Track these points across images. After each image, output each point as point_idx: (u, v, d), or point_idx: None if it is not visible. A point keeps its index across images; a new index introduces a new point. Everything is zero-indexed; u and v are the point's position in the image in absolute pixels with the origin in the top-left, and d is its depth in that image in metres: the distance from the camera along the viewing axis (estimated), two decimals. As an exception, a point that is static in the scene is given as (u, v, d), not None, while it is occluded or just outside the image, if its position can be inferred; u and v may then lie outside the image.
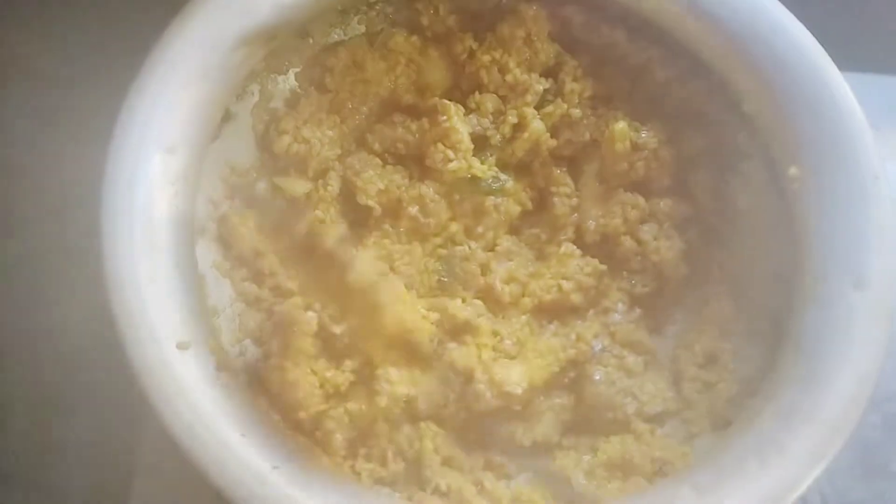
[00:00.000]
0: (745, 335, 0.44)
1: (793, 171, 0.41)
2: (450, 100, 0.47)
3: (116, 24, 0.54)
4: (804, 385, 0.38)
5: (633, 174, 0.47)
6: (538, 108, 0.48)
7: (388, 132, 0.48)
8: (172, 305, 0.38)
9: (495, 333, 0.45)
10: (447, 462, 0.42)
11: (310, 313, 0.41)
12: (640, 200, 0.47)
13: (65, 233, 0.52)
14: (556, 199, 0.48)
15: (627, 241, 0.47)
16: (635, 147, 0.46)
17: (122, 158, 0.39)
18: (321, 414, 0.42)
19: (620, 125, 0.46)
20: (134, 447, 0.47)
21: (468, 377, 0.43)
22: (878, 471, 0.50)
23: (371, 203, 0.47)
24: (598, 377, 0.45)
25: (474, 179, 0.47)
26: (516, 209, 0.49)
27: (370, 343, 0.39)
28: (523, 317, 0.46)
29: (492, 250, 0.48)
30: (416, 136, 0.47)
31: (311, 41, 0.48)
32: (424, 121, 0.47)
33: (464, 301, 0.46)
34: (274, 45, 0.45)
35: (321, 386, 0.41)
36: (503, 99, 0.48)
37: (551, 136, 0.48)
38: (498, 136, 0.48)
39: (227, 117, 0.45)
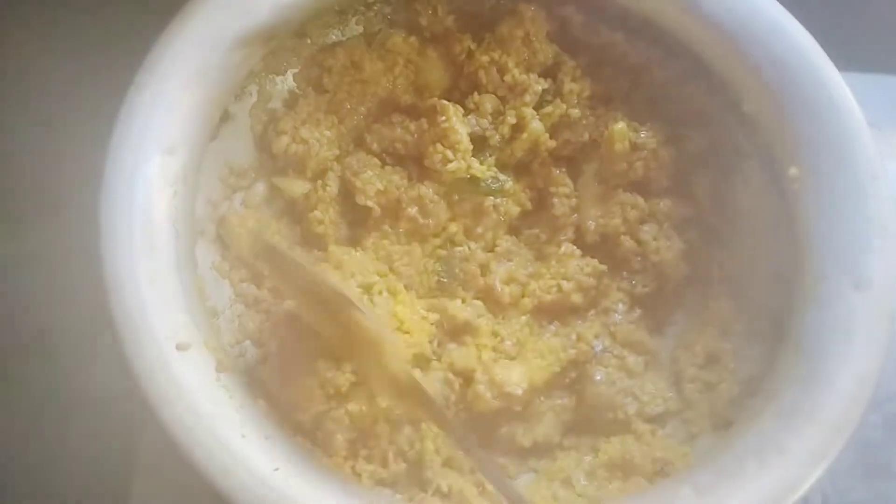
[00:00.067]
0: (745, 335, 0.44)
1: (793, 171, 0.41)
2: (448, 100, 0.47)
3: (116, 25, 0.54)
4: (805, 385, 0.38)
5: (632, 174, 0.47)
6: (537, 108, 0.48)
7: (387, 132, 0.48)
8: (172, 307, 0.38)
9: (495, 334, 0.45)
10: (448, 463, 0.42)
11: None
12: (640, 201, 0.47)
13: (64, 233, 0.52)
14: (555, 200, 0.48)
15: (627, 242, 0.47)
16: (634, 147, 0.46)
17: (121, 159, 0.39)
18: (321, 415, 0.42)
19: (619, 125, 0.46)
20: (133, 448, 0.47)
21: (468, 378, 0.43)
22: (879, 471, 0.50)
23: (370, 204, 0.47)
24: (598, 377, 0.45)
25: (473, 180, 0.47)
26: (516, 209, 0.48)
27: (375, 387, 0.39)
28: (523, 317, 0.46)
29: (491, 251, 0.48)
30: (415, 136, 0.47)
31: (309, 42, 0.48)
32: (423, 121, 0.47)
33: (463, 301, 0.46)
34: (272, 45, 0.45)
35: (321, 387, 0.41)
36: (502, 99, 0.48)
37: (550, 137, 0.48)
38: (497, 137, 0.48)
39: (225, 118, 0.45)
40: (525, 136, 0.47)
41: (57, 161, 0.52)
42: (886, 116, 0.56)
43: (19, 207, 0.53)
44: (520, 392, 0.42)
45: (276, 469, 0.37)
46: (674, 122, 0.47)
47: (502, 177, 0.48)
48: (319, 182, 0.47)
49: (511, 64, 0.47)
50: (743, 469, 0.37)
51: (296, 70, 0.48)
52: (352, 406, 0.42)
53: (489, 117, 0.48)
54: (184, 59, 0.40)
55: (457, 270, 0.47)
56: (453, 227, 0.48)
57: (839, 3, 0.59)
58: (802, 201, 0.41)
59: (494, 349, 0.44)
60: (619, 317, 0.47)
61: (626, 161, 0.47)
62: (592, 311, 0.47)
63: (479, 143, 0.47)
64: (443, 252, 0.48)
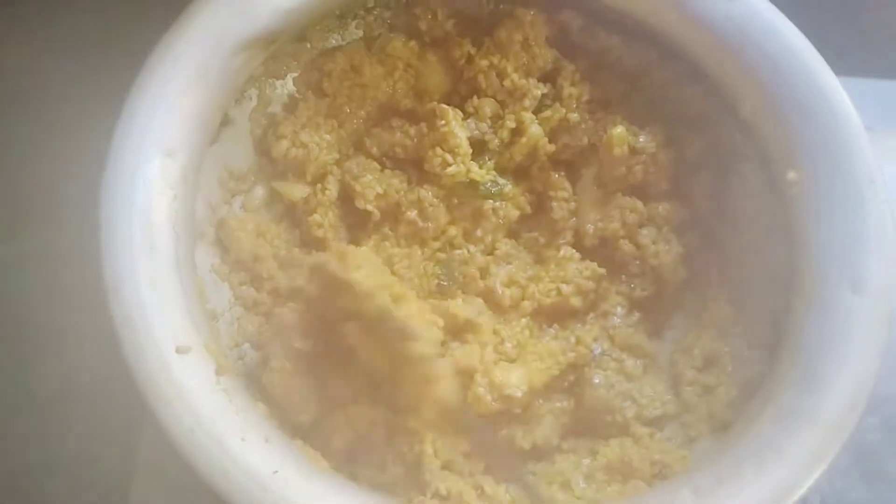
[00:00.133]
0: (743, 338, 0.44)
1: (791, 174, 0.41)
2: (448, 104, 0.47)
3: (116, 27, 0.54)
4: (803, 388, 0.38)
5: (631, 178, 0.47)
6: (536, 112, 0.48)
7: (387, 136, 0.48)
8: (172, 309, 0.38)
9: (496, 333, 0.45)
10: (447, 466, 0.42)
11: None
12: (639, 204, 0.47)
13: (64, 233, 0.52)
14: (554, 204, 0.48)
15: (626, 245, 0.47)
16: (633, 151, 0.47)
17: (121, 161, 0.39)
18: (321, 418, 0.42)
19: (618, 129, 0.46)
20: (133, 448, 0.47)
21: (469, 378, 0.43)
22: (876, 472, 0.50)
23: (370, 207, 0.47)
24: (597, 380, 0.45)
25: (473, 183, 0.47)
26: (515, 213, 0.49)
27: (414, 409, 0.39)
28: (523, 319, 0.46)
29: (491, 254, 0.48)
30: (415, 140, 0.48)
31: (309, 46, 0.48)
32: (423, 125, 0.47)
33: (464, 301, 0.46)
34: (273, 49, 0.45)
35: (320, 390, 0.41)
36: (501, 103, 0.48)
37: (549, 141, 0.48)
38: (496, 141, 0.48)
39: (225, 121, 0.45)
40: (524, 140, 0.47)
41: (57, 161, 0.52)
42: (881, 120, 0.56)
43: (19, 207, 0.53)
44: (519, 394, 0.42)
45: (276, 472, 0.37)
46: (672, 126, 0.47)
47: (501, 180, 0.48)
48: (319, 186, 0.47)
49: (510, 68, 0.47)
50: (741, 471, 0.37)
51: (296, 74, 0.48)
52: (351, 409, 0.42)
53: (488, 121, 0.48)
54: (184, 62, 0.40)
55: (456, 273, 0.47)
56: (453, 231, 0.48)
57: (834, 7, 0.59)
58: (800, 204, 0.41)
59: (495, 349, 0.44)
60: (618, 320, 0.47)
61: (624, 165, 0.47)
62: (591, 315, 0.47)
63: (479, 147, 0.48)
64: (442, 255, 0.48)
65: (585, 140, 0.48)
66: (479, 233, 0.48)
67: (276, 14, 0.42)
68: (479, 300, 0.46)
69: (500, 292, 0.46)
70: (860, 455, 0.50)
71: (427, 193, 0.47)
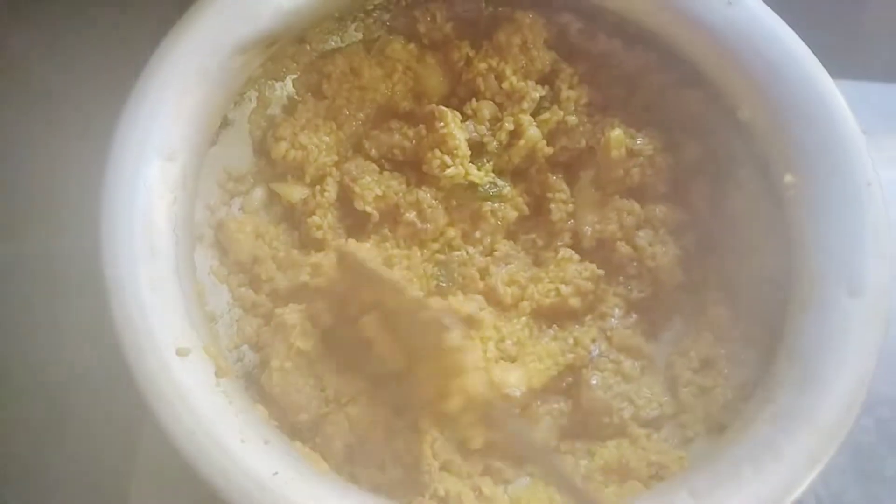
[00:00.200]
0: (740, 340, 0.45)
1: (788, 178, 0.41)
2: (447, 106, 0.47)
3: (117, 29, 0.54)
4: (799, 390, 0.38)
5: (628, 181, 0.47)
6: (534, 115, 0.48)
7: (385, 138, 0.48)
8: (172, 311, 0.38)
9: (497, 329, 0.45)
10: (445, 467, 0.42)
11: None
12: (636, 207, 0.48)
13: (64, 234, 0.52)
14: (552, 206, 0.49)
15: (623, 247, 0.47)
16: (631, 154, 0.47)
17: (122, 163, 0.39)
18: (320, 419, 0.42)
19: (616, 132, 0.46)
20: (133, 448, 0.47)
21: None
22: (871, 474, 0.50)
23: (369, 209, 0.47)
24: (594, 382, 0.45)
25: (471, 185, 0.47)
26: (513, 214, 0.49)
27: (438, 401, 0.39)
28: (523, 318, 0.47)
29: (490, 255, 0.48)
30: (414, 142, 0.48)
31: (308, 48, 0.48)
32: (421, 127, 0.47)
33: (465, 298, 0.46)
34: (272, 51, 0.45)
35: (320, 391, 0.41)
36: (500, 106, 0.48)
37: (547, 143, 0.48)
38: (495, 143, 0.48)
39: (224, 123, 0.45)
40: (522, 142, 0.47)
41: (57, 162, 0.52)
42: (878, 123, 0.56)
43: (19, 208, 0.53)
44: (518, 394, 0.42)
45: (275, 473, 0.37)
46: (670, 129, 0.47)
47: (500, 182, 0.48)
48: (318, 187, 0.48)
49: (509, 71, 0.47)
50: (738, 473, 0.38)
51: (295, 76, 0.48)
52: (350, 410, 0.42)
53: (487, 124, 0.48)
54: (185, 64, 0.40)
55: (455, 274, 0.47)
56: (451, 232, 0.48)
57: (832, 12, 0.59)
58: (797, 208, 0.41)
59: (496, 346, 0.45)
60: (616, 322, 0.47)
61: (622, 167, 0.47)
62: (589, 316, 0.48)
63: (477, 149, 0.48)
64: (441, 256, 0.48)
65: (583, 142, 0.48)
66: (477, 234, 0.48)
67: (277, 16, 0.42)
68: (480, 297, 0.47)
69: (502, 291, 0.46)
70: (855, 456, 0.50)
71: (426, 195, 0.47)
